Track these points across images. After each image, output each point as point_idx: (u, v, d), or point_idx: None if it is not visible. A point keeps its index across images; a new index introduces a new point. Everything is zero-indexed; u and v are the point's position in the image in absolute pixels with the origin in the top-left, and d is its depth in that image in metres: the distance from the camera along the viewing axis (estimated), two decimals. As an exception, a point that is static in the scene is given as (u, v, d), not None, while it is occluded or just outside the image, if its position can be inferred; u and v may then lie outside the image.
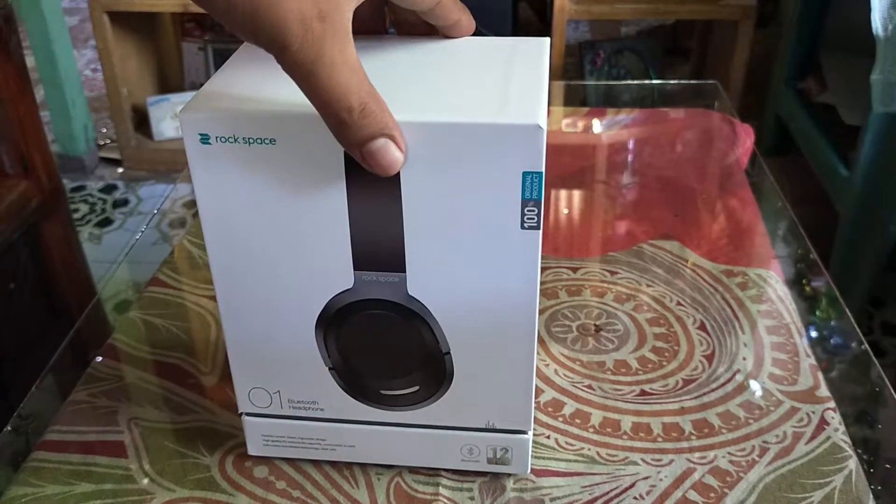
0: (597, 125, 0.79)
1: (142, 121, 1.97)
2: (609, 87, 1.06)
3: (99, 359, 0.50)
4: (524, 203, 0.32)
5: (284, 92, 0.32)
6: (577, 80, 1.88)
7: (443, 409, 0.39)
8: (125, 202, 1.81)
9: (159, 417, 0.45)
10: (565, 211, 0.65)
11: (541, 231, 0.33)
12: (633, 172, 0.70)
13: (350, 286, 0.35)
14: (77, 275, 1.05)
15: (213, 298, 0.55)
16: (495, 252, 0.34)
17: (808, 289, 0.56)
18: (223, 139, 0.32)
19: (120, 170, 1.96)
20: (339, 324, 0.37)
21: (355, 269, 0.35)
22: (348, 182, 0.33)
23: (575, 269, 0.57)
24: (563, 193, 0.67)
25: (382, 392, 0.39)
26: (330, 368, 0.38)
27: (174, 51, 2.08)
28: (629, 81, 1.23)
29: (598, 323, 0.52)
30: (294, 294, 0.36)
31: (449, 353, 0.37)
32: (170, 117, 1.95)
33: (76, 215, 1.74)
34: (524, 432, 0.40)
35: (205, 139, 0.32)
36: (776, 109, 1.70)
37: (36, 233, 0.97)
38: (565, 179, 0.69)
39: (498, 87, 0.33)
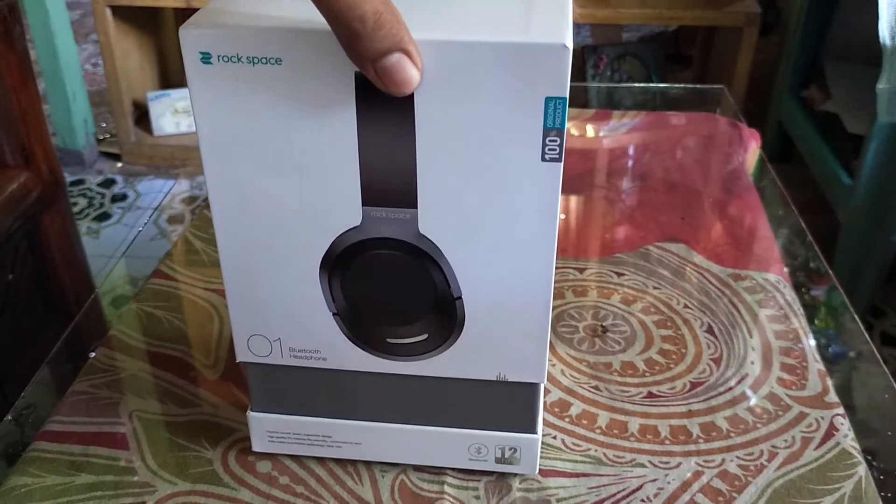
0: (604, 128, 0.78)
1: (142, 116, 1.96)
2: (613, 91, 1.06)
3: (93, 354, 0.49)
4: (546, 132, 0.30)
5: (292, 10, 0.30)
6: (579, 83, 1.88)
7: (452, 360, 0.37)
8: (124, 197, 1.81)
9: (161, 410, 0.45)
10: (572, 212, 0.65)
11: (562, 164, 0.31)
12: (640, 175, 0.70)
13: (358, 223, 0.33)
14: (75, 267, 1.04)
15: (217, 291, 0.55)
16: (513, 186, 0.32)
17: (815, 294, 0.56)
18: (225, 58, 0.30)
19: (119, 164, 1.95)
20: (345, 265, 0.34)
21: (364, 204, 0.33)
22: (358, 107, 0.31)
23: (581, 270, 0.57)
24: (570, 195, 0.67)
25: (389, 340, 0.37)
26: (334, 314, 0.36)
27: (176, 46, 2.07)
28: (634, 84, 1.23)
29: (604, 324, 0.52)
30: (298, 231, 0.34)
31: (461, 297, 0.35)
32: (170, 113, 1.94)
33: (74, 209, 1.73)
34: (533, 431, 0.39)
35: (206, 58, 0.30)
36: (778, 117, 1.70)
37: (35, 224, 0.97)
38: (572, 181, 0.69)
39: (520, 7, 0.31)
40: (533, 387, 0.38)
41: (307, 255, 0.34)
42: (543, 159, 0.31)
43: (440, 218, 0.33)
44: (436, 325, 0.36)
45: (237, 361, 0.39)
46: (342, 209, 0.33)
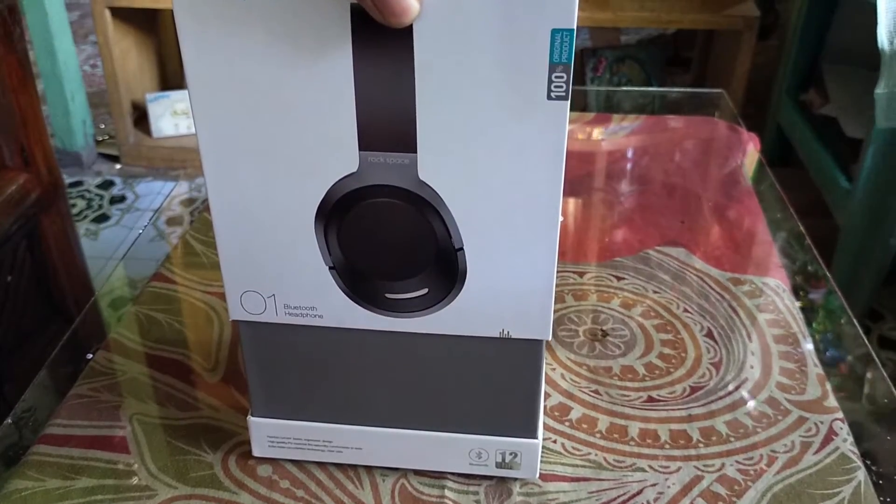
0: (603, 131, 0.78)
1: (141, 117, 1.96)
2: (613, 94, 1.06)
3: (90, 356, 0.49)
4: (552, 68, 0.29)
5: None
6: (578, 86, 1.88)
7: (453, 316, 0.35)
8: (122, 198, 1.80)
9: (161, 413, 0.45)
10: (572, 216, 0.65)
11: (569, 103, 0.30)
12: (639, 179, 0.70)
13: (354, 170, 0.32)
14: (74, 269, 1.04)
15: (217, 294, 0.55)
16: (517, 127, 0.30)
17: (814, 298, 0.56)
18: None
19: (118, 166, 1.95)
20: (341, 215, 0.33)
21: (360, 149, 0.31)
22: (354, 42, 0.29)
23: (581, 274, 0.57)
24: (569, 199, 0.67)
25: (388, 296, 0.35)
26: (330, 268, 0.34)
27: (175, 48, 2.07)
28: (633, 87, 1.23)
29: (604, 328, 0.52)
30: (291, 179, 0.32)
31: (462, 249, 0.33)
32: (169, 114, 1.94)
33: (73, 211, 1.73)
34: (534, 435, 0.39)
35: None
36: (777, 121, 1.70)
37: (34, 226, 0.97)
38: (572, 184, 0.69)
39: None
40: (533, 381, 0.38)
41: (302, 205, 0.33)
42: (549, 97, 0.29)
43: (440, 163, 0.31)
44: (436, 278, 0.34)
45: (230, 320, 0.37)
46: (338, 154, 0.31)
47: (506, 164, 0.31)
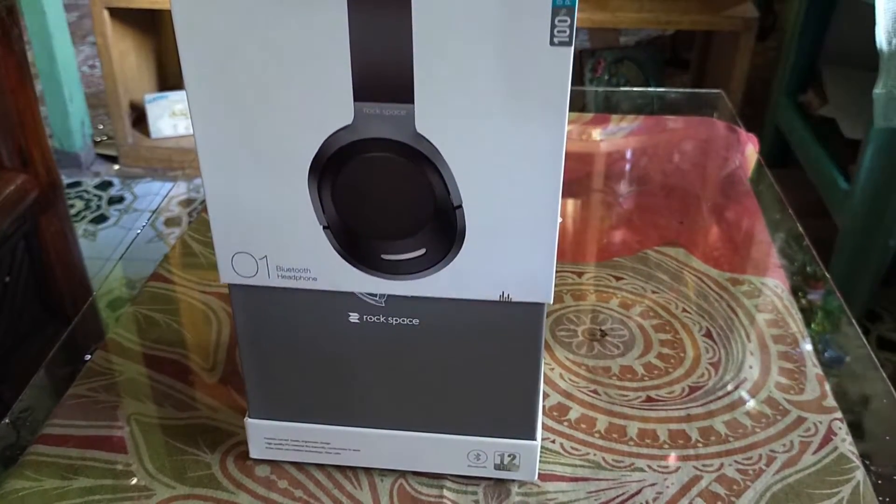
0: (602, 131, 0.78)
1: (139, 118, 1.96)
2: (611, 95, 1.06)
3: (88, 356, 0.49)
4: (555, 11, 0.28)
5: None
6: (577, 87, 1.89)
7: (452, 278, 0.34)
8: (121, 199, 1.80)
9: (160, 413, 0.45)
10: (571, 216, 0.65)
11: (572, 49, 0.29)
12: (639, 179, 0.70)
13: (349, 122, 0.30)
14: (72, 270, 1.04)
15: (215, 294, 0.54)
16: (519, 75, 0.29)
17: (813, 298, 0.56)
18: None
19: (116, 166, 1.95)
20: (335, 171, 0.32)
21: (355, 99, 0.30)
22: None
23: (580, 274, 0.57)
24: (568, 199, 0.67)
25: (384, 257, 0.34)
26: (324, 227, 0.33)
27: (173, 48, 2.07)
28: (631, 88, 1.23)
29: (603, 328, 0.52)
30: (284, 131, 0.31)
31: (461, 206, 0.32)
32: (167, 115, 1.94)
33: (71, 211, 1.73)
34: (532, 437, 0.39)
35: None
36: (776, 122, 1.70)
37: (32, 226, 0.96)
38: (571, 185, 0.69)
39: None
40: (532, 378, 0.37)
41: (294, 160, 0.32)
42: (552, 43, 0.28)
43: (438, 114, 0.30)
44: (434, 238, 0.33)
45: (221, 282, 0.36)
46: (332, 105, 0.30)
47: (507, 114, 0.30)
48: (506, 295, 0.34)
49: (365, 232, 0.33)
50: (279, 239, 0.34)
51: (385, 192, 0.32)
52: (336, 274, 0.34)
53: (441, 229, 0.33)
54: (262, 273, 0.35)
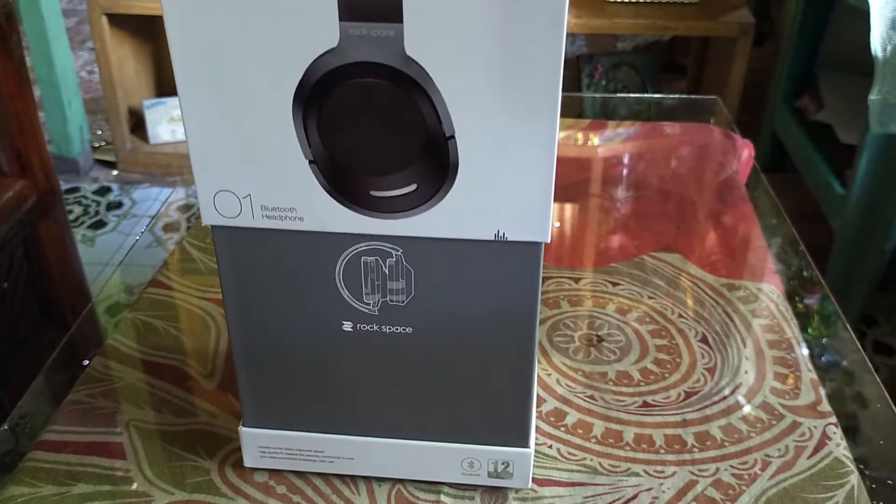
0: (599, 137, 0.79)
1: (137, 124, 1.97)
2: (609, 101, 1.06)
3: (86, 362, 0.49)
4: None
5: None
6: (574, 93, 1.90)
7: (444, 216, 0.32)
8: (119, 205, 1.81)
9: (158, 419, 0.45)
10: (567, 222, 0.65)
11: None
12: (635, 185, 0.70)
13: (334, 45, 0.29)
14: (71, 275, 1.04)
15: (214, 301, 0.55)
16: None
17: (808, 303, 0.56)
18: None
19: (114, 172, 1.95)
20: (320, 99, 0.30)
21: (341, 19, 0.28)
22: None
23: (577, 280, 0.57)
24: (565, 204, 0.67)
25: (373, 194, 0.32)
26: (310, 162, 0.32)
27: (172, 54, 2.07)
28: (628, 94, 1.23)
29: (599, 333, 0.52)
30: (265, 56, 0.29)
31: (453, 137, 0.30)
32: (166, 121, 1.94)
33: (70, 217, 1.73)
34: (526, 445, 0.39)
35: None
36: (772, 127, 1.71)
37: (31, 232, 0.97)
38: (567, 190, 0.69)
39: None
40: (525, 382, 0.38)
41: (278, 88, 0.30)
42: None
43: (429, 34, 0.28)
44: (425, 172, 0.31)
45: (202, 225, 0.34)
46: (316, 26, 0.29)
47: (501, 35, 0.28)
48: (501, 234, 0.33)
49: (353, 166, 0.31)
50: (263, 175, 0.32)
51: (373, 123, 0.30)
52: (323, 213, 0.33)
53: (432, 162, 0.31)
54: (245, 213, 0.33)
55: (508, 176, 0.31)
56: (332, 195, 0.32)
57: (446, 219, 0.33)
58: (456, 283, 0.35)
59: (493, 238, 0.33)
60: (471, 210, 0.32)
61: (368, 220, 0.33)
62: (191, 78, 0.30)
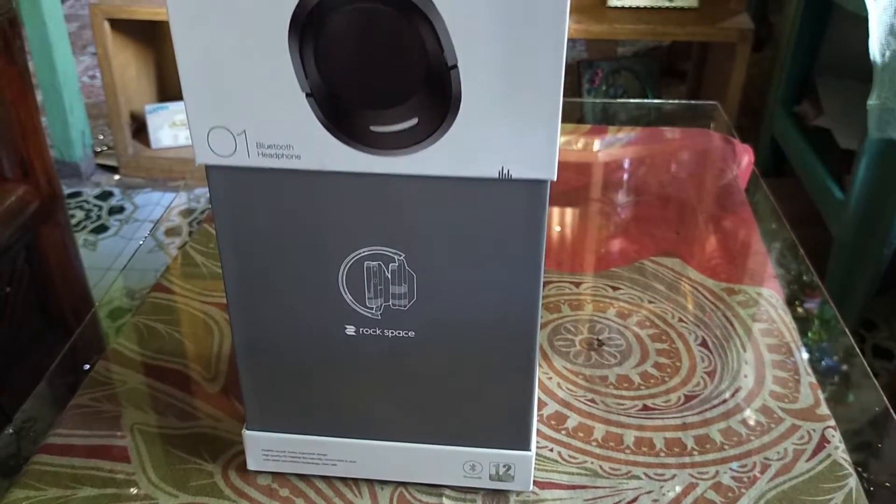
0: (599, 143, 0.79)
1: (139, 128, 1.97)
2: (609, 106, 1.07)
3: (87, 367, 0.50)
4: None
5: None
6: (574, 98, 1.90)
7: (446, 152, 0.31)
8: (121, 209, 1.81)
9: (162, 423, 0.45)
10: (568, 226, 0.66)
11: None
12: (635, 190, 0.71)
13: None
14: (73, 280, 1.05)
15: (217, 305, 0.55)
16: None
17: (808, 308, 0.57)
18: None
19: (116, 177, 1.95)
20: (317, 27, 0.29)
21: None
22: None
23: (577, 284, 0.58)
24: (566, 209, 0.68)
25: (373, 129, 0.31)
26: (307, 94, 0.30)
27: (174, 60, 2.08)
28: (628, 100, 1.24)
29: (600, 337, 0.52)
30: None
31: (456, 66, 0.29)
32: (168, 126, 1.95)
33: (71, 221, 1.73)
34: (527, 448, 0.40)
35: None
36: (771, 132, 1.71)
37: (33, 237, 0.97)
38: (568, 195, 0.69)
39: None
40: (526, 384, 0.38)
41: (273, 14, 0.29)
42: None
43: None
44: (427, 105, 0.30)
45: (196, 165, 0.33)
46: None
47: None
48: (505, 171, 0.31)
49: (351, 99, 0.30)
50: (258, 110, 0.31)
51: (373, 52, 0.29)
52: (321, 150, 0.32)
53: (434, 95, 0.30)
54: (241, 151, 0.32)
55: (513, 108, 0.30)
56: (330, 131, 0.31)
57: (448, 155, 0.31)
58: (458, 282, 0.35)
59: (497, 176, 0.31)
60: (474, 145, 0.31)
61: (368, 158, 0.31)
62: (182, 5, 0.29)
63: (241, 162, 0.32)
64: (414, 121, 0.31)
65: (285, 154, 0.32)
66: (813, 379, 0.49)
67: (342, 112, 0.31)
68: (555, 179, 0.32)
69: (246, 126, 0.32)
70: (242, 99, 0.31)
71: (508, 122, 0.30)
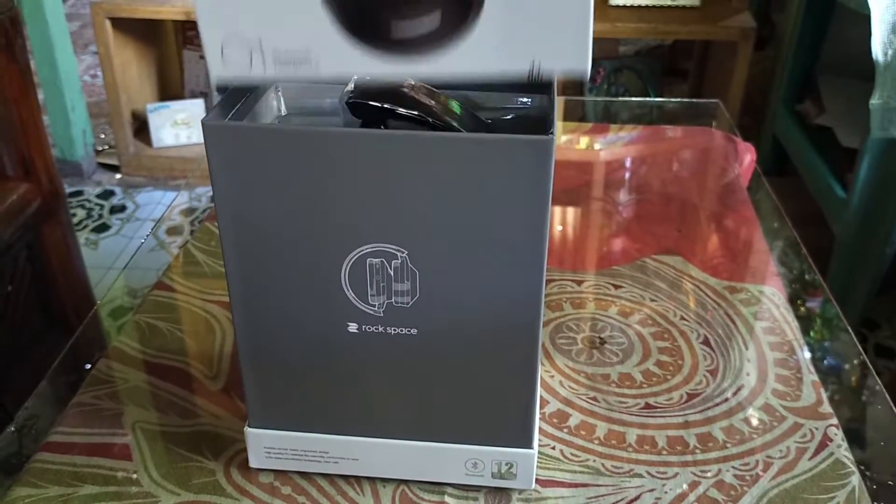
0: (601, 141, 0.79)
1: (141, 127, 1.97)
2: (611, 105, 1.07)
3: (88, 366, 0.50)
4: None
5: None
6: (576, 97, 1.90)
7: (473, 51, 0.29)
8: (122, 208, 1.81)
9: (164, 421, 0.45)
10: (570, 225, 0.66)
11: None
12: (637, 188, 0.71)
13: None
14: (75, 279, 1.05)
15: (219, 303, 0.55)
16: None
17: (810, 306, 0.57)
18: None
19: (118, 176, 1.95)
20: None
21: None
22: None
23: (579, 283, 0.58)
24: (568, 208, 0.68)
25: (394, 36, 0.29)
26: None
27: (175, 59, 2.08)
28: (630, 98, 1.24)
29: (602, 336, 0.52)
30: None
31: None
32: (169, 125, 1.95)
33: (73, 220, 1.73)
34: (529, 446, 0.39)
35: None
36: (773, 131, 1.71)
37: (35, 236, 0.97)
38: (570, 194, 0.69)
39: None
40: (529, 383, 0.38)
41: None
42: None
43: None
44: (448, 2, 0.28)
45: (213, 83, 0.32)
46: None
47: None
48: (537, 66, 0.29)
49: (370, 2, 0.29)
50: (274, 15, 0.30)
51: None
52: (338, 56, 0.30)
53: None
54: (256, 63, 0.30)
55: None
56: (347, 36, 0.29)
57: (475, 53, 0.29)
58: (461, 279, 0.35)
59: (528, 70, 0.29)
60: (502, 39, 0.29)
61: (388, 63, 0.30)
62: None
63: (255, 74, 0.31)
64: (437, 14, 0.29)
65: (303, 62, 0.30)
66: (815, 377, 0.48)
67: (359, 14, 0.29)
68: (588, 72, 0.29)
69: (261, 34, 0.30)
70: (258, 3, 0.30)
71: (538, 11, 0.28)
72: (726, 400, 0.47)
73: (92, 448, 0.43)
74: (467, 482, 0.41)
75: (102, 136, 2.11)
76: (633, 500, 0.40)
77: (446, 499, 0.40)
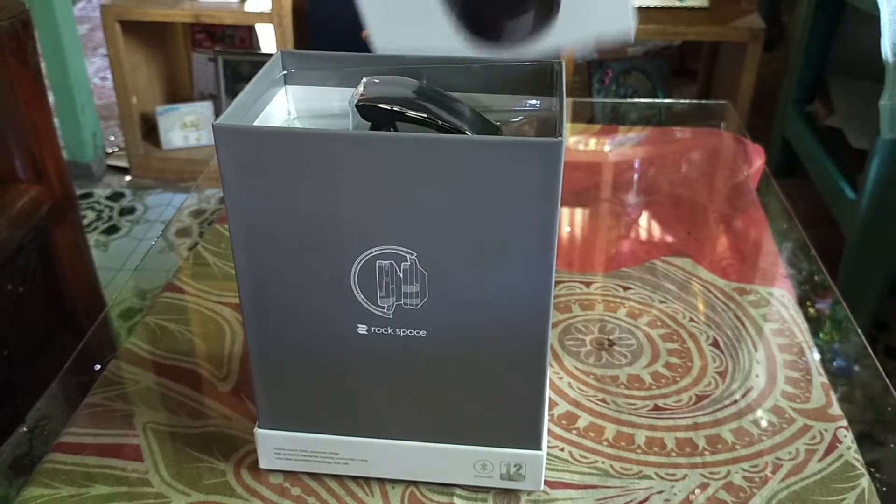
0: (609, 143, 0.79)
1: (150, 129, 1.98)
2: (619, 106, 1.07)
3: (97, 367, 0.50)
4: None
5: None
6: (584, 98, 1.90)
7: (550, 37, 0.37)
8: (132, 210, 1.82)
9: (174, 422, 0.46)
10: (579, 226, 0.66)
11: None
12: (646, 190, 0.71)
13: None
14: (85, 280, 1.05)
15: (229, 305, 0.55)
16: None
17: (820, 308, 0.57)
18: None
19: (127, 178, 1.96)
20: None
21: None
22: None
23: (588, 284, 0.58)
24: (576, 209, 0.68)
25: (505, 28, 0.36)
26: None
27: (184, 61, 2.09)
28: (639, 100, 1.24)
29: (611, 337, 0.52)
30: None
31: None
32: (178, 126, 1.95)
33: (83, 222, 1.74)
34: (538, 447, 0.40)
35: None
36: (783, 132, 1.70)
37: (46, 237, 0.98)
38: (579, 196, 0.69)
39: None
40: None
41: None
42: None
43: None
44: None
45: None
46: None
47: None
48: (594, 34, 0.37)
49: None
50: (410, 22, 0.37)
51: None
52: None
53: None
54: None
55: None
56: (470, 33, 0.37)
57: (554, 35, 0.36)
58: (470, 281, 0.35)
59: (588, 39, 0.37)
60: (570, 19, 0.36)
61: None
62: None
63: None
64: (532, 14, 0.35)
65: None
66: (825, 379, 0.48)
67: (479, 18, 0.36)
68: (632, 34, 0.36)
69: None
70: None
71: None
72: (735, 402, 0.47)
73: (103, 449, 0.44)
74: (476, 483, 0.41)
75: (112, 138, 2.12)
76: (642, 502, 0.40)
77: (455, 500, 0.41)
